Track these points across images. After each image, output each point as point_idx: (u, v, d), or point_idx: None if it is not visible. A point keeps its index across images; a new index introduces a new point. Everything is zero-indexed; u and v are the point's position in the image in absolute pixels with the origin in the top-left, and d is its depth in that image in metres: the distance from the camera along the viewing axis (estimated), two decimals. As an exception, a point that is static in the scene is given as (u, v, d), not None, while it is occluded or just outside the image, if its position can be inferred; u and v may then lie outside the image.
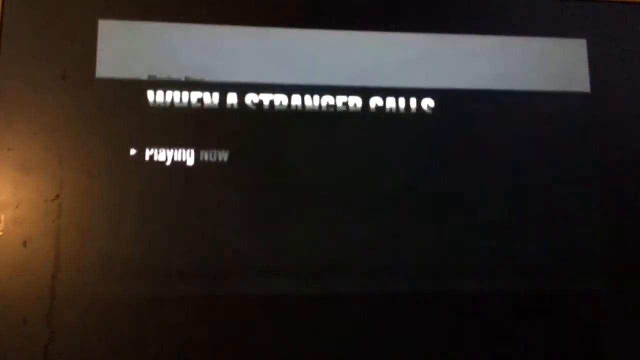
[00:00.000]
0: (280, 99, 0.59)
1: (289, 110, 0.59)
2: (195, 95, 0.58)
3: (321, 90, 0.60)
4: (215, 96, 0.58)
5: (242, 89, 0.59)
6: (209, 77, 0.59)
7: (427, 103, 0.61)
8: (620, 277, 0.60)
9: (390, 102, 0.60)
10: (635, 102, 0.64)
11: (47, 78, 0.56)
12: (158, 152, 0.57)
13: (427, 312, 0.57)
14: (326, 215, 0.57)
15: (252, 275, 0.56)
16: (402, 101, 0.60)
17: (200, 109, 0.58)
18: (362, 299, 0.57)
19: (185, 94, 0.58)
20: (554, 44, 0.64)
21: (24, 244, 0.53)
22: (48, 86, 0.56)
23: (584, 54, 0.64)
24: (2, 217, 0.54)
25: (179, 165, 0.57)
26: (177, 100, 0.58)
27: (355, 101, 0.60)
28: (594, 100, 0.63)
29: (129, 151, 0.56)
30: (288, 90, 0.59)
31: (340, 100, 0.60)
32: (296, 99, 0.59)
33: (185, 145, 0.57)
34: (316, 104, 0.59)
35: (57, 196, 0.55)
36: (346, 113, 0.60)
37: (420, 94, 0.61)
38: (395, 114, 0.60)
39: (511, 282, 0.59)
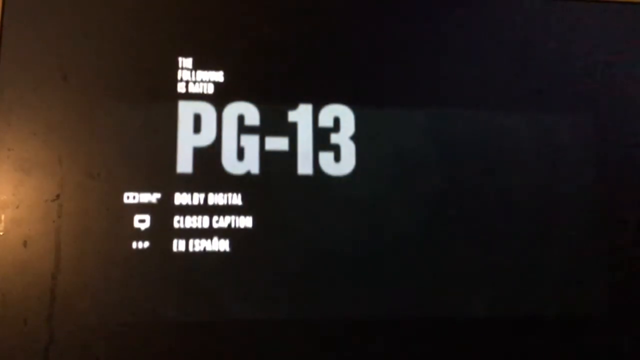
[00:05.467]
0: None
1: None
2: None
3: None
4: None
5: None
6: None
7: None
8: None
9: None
10: (636, 107, 0.64)
11: (47, 78, 0.56)
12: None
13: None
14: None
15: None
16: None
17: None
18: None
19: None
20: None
21: (24, 244, 0.53)
22: (48, 86, 0.56)
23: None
24: (3, 217, 0.54)
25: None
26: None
27: None
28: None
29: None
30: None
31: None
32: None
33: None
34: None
35: (57, 196, 0.55)
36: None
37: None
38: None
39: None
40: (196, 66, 0.59)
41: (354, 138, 0.60)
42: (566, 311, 0.59)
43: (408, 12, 0.63)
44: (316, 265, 0.57)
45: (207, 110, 0.59)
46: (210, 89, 0.59)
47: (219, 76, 0.59)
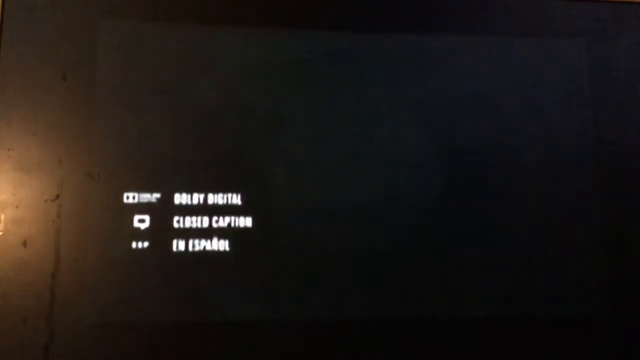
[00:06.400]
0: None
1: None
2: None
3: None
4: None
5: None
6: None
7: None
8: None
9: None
10: (636, 105, 0.64)
11: (47, 78, 0.56)
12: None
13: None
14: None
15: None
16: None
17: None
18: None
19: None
20: (553, 44, 0.64)
21: (24, 244, 0.54)
22: (48, 86, 0.56)
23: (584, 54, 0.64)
24: (2, 217, 0.54)
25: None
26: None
27: None
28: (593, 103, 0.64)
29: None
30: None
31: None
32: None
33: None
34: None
35: (57, 196, 0.55)
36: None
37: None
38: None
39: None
40: (196, 66, 0.59)
41: None
42: (566, 311, 0.59)
43: (407, 14, 0.63)
44: (316, 266, 0.57)
45: (207, 110, 0.59)
46: (210, 89, 0.59)
47: (218, 76, 0.60)
